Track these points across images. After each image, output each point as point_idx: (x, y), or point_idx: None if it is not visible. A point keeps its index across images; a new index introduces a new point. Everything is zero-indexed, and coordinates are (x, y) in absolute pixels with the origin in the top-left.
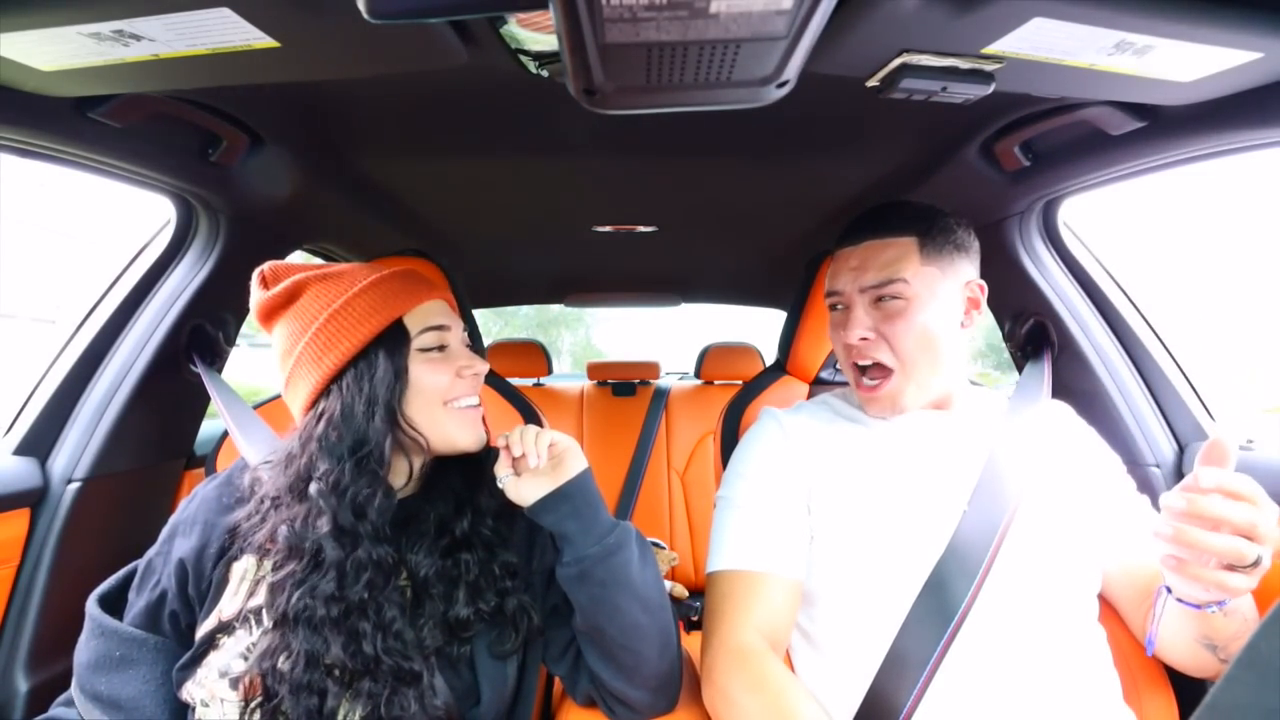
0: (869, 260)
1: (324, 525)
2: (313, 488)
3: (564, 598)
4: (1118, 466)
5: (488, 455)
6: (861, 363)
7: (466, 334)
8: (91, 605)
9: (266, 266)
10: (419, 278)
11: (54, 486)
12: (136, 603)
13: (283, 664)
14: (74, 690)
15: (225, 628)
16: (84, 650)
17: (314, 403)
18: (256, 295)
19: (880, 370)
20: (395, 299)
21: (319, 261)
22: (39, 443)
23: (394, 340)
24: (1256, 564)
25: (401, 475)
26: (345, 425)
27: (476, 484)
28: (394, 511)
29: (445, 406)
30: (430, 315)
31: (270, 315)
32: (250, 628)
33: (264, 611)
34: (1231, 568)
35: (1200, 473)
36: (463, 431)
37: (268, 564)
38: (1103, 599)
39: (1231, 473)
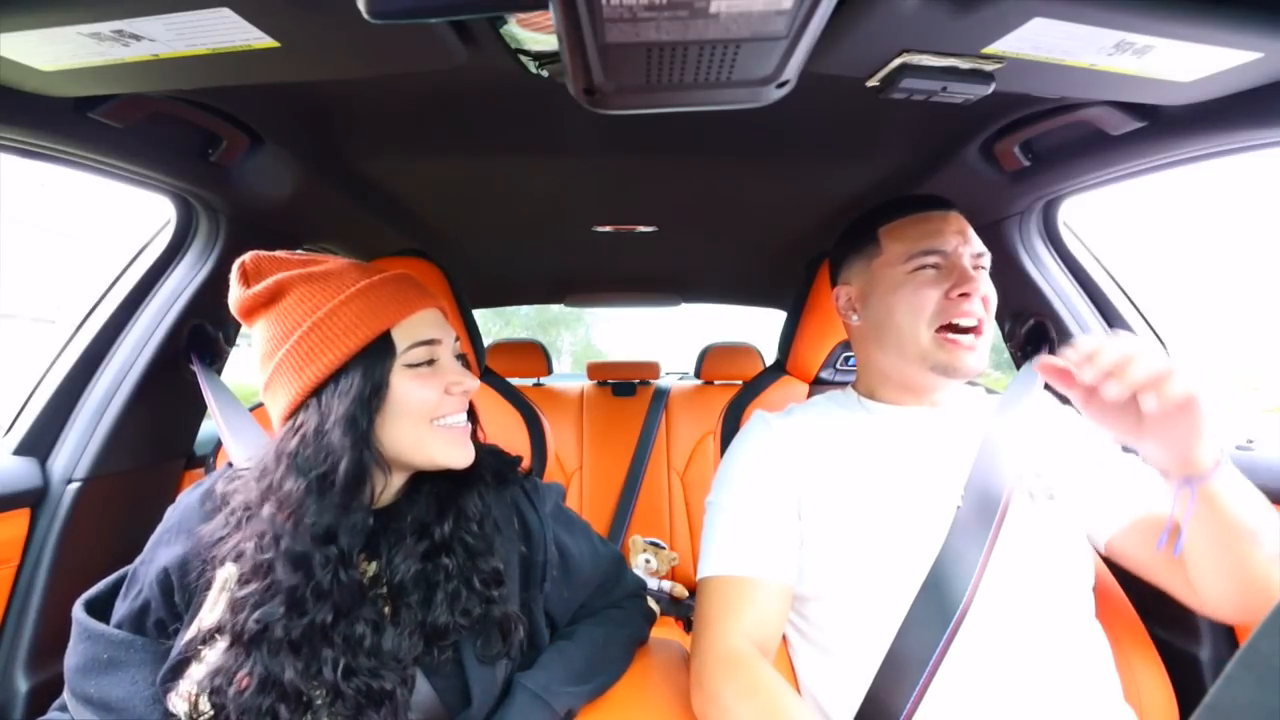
0: (967, 229)
1: (278, 549)
2: (266, 509)
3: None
4: (1106, 438)
5: (481, 460)
6: (965, 322)
7: (458, 345)
8: (77, 610)
9: (248, 258)
10: (411, 283)
11: (54, 486)
12: (120, 609)
13: (233, 685)
14: (66, 694)
15: (205, 638)
16: (72, 654)
17: (292, 414)
18: (236, 291)
19: (978, 329)
20: (384, 309)
21: (310, 253)
22: (39, 443)
23: (377, 355)
24: (1167, 374)
25: (386, 488)
26: (317, 443)
27: (463, 487)
28: (372, 521)
29: (430, 424)
30: (420, 328)
31: (250, 313)
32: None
33: (224, 629)
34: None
35: (1068, 352)
36: (448, 450)
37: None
38: (1110, 579)
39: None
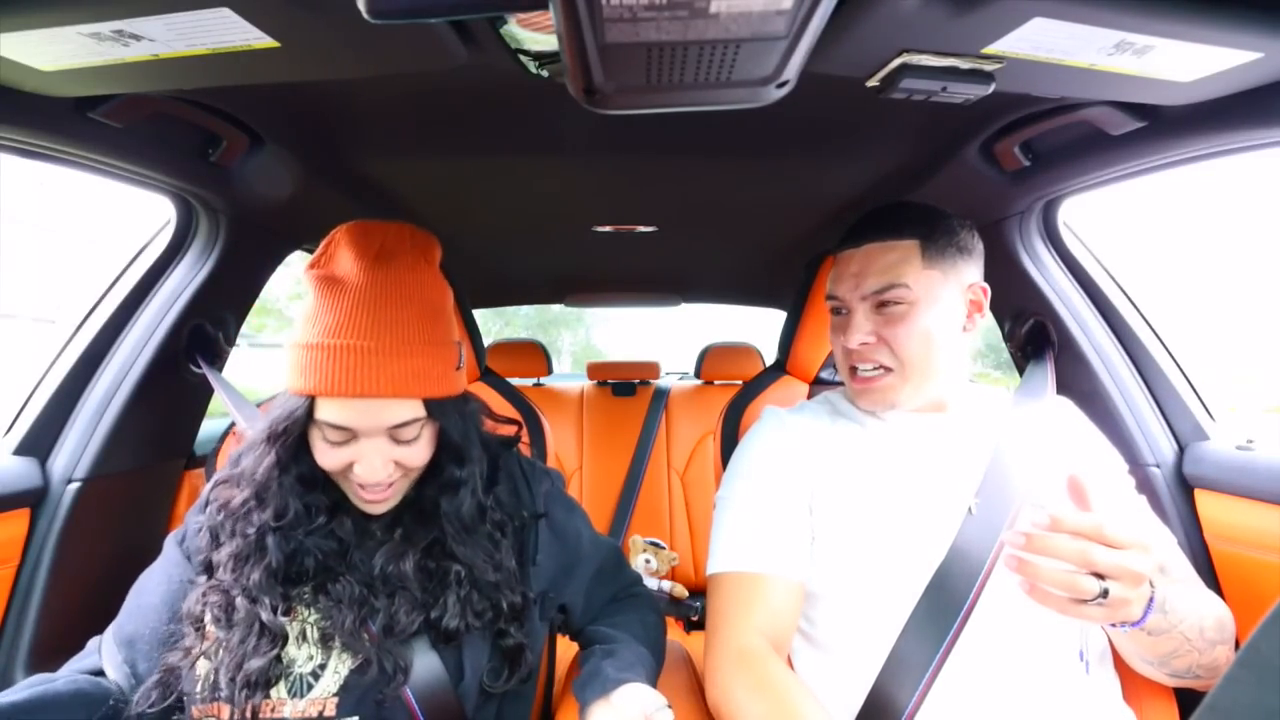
0: (869, 265)
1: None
2: (246, 462)
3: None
4: (1119, 465)
5: (503, 444)
6: (862, 366)
7: (420, 429)
8: (172, 547)
9: (341, 230)
10: (372, 363)
11: (54, 486)
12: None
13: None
14: (107, 637)
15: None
16: (150, 593)
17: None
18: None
19: (880, 369)
20: (315, 375)
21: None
22: (39, 443)
23: (305, 403)
24: (1105, 596)
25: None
26: (272, 437)
27: (446, 490)
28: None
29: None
30: (336, 412)
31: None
32: None
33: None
34: (1083, 601)
35: (1036, 513)
36: (361, 503)
37: None
38: None
39: (1074, 511)
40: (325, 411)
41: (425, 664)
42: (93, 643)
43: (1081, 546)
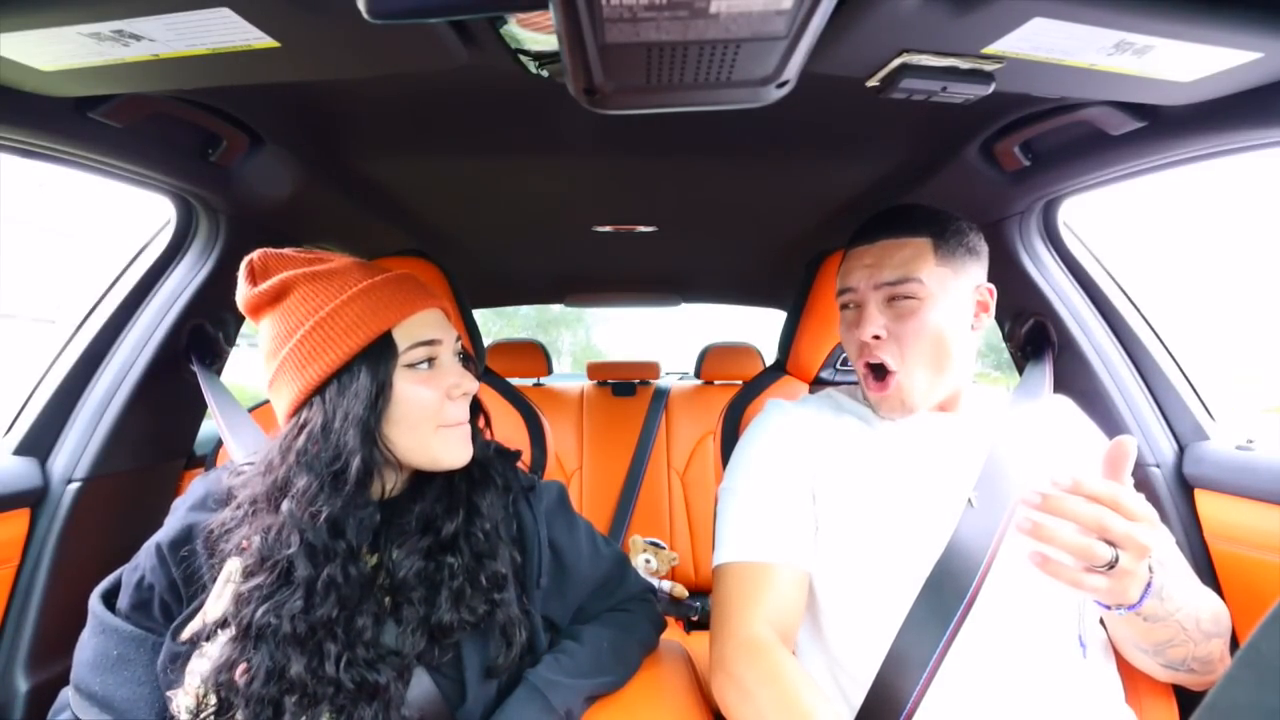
0: (884, 258)
1: (295, 543)
2: (285, 505)
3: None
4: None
5: (504, 458)
6: (873, 361)
7: (460, 344)
8: (94, 602)
9: (256, 256)
10: (413, 284)
11: (54, 486)
12: (125, 599)
13: (240, 676)
14: (70, 690)
15: (210, 632)
16: (85, 648)
17: (296, 411)
18: (243, 289)
19: (887, 370)
20: (384, 309)
21: (316, 250)
22: (39, 443)
23: (379, 354)
24: (1114, 565)
25: (388, 482)
26: (324, 440)
27: (477, 485)
28: (377, 516)
29: (435, 430)
30: (420, 328)
31: (256, 311)
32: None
33: (228, 622)
34: (1091, 569)
35: (1058, 474)
36: (449, 451)
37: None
38: None
39: (1094, 476)
40: (410, 335)
41: (421, 690)
42: (62, 697)
43: (1098, 511)
